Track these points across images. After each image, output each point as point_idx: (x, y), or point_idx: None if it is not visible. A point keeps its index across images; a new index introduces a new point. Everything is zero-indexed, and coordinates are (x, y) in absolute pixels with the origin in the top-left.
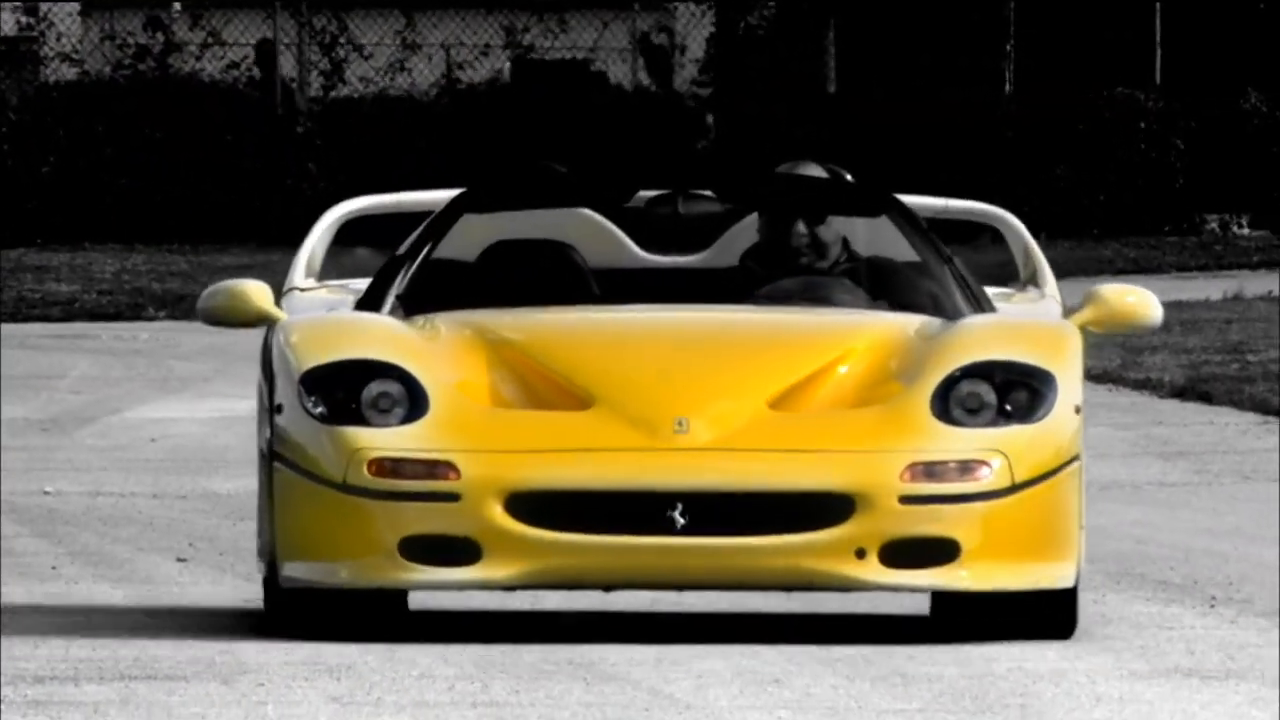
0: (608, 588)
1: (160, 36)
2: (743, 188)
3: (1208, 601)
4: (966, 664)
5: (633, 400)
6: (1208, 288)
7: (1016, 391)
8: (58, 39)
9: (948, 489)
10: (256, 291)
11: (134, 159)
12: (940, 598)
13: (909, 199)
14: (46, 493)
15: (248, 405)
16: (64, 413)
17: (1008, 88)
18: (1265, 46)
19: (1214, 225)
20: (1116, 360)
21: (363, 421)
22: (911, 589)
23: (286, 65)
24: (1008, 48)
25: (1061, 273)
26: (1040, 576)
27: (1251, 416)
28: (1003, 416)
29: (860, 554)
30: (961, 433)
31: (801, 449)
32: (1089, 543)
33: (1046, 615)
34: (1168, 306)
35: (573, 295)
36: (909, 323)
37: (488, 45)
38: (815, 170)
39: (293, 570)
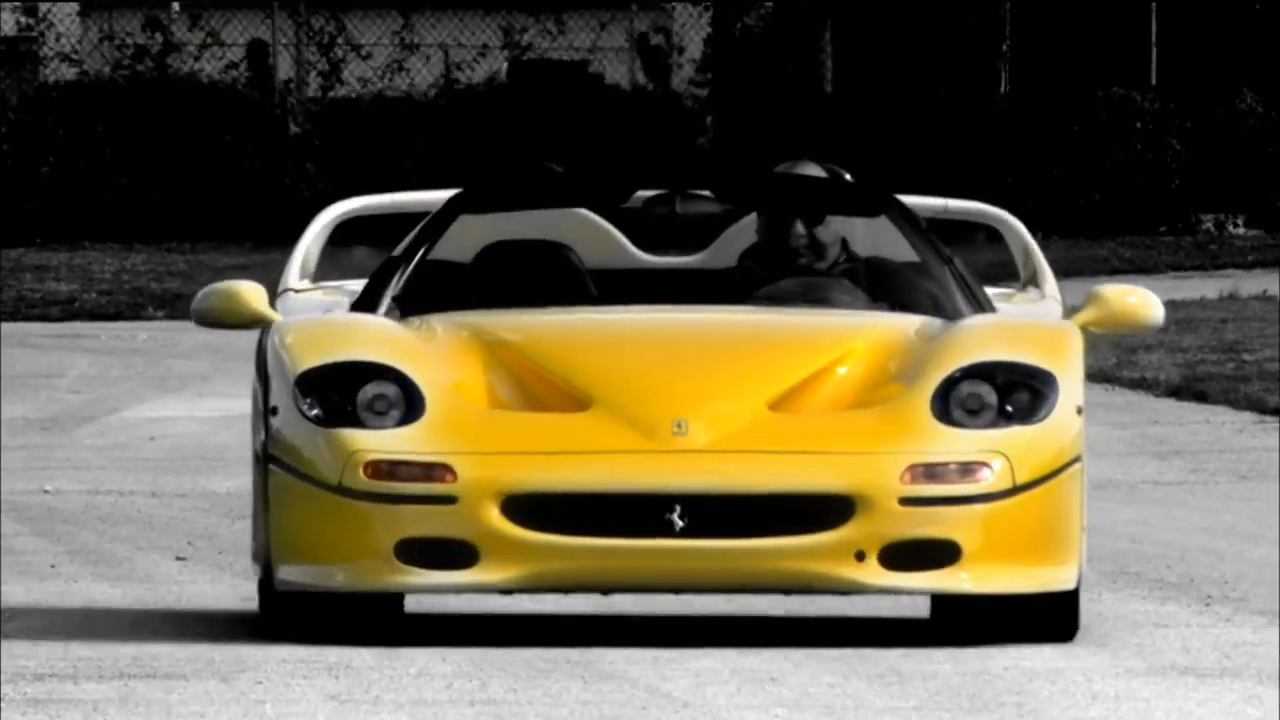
0: (606, 591)
1: (159, 37)
2: (741, 188)
3: (1204, 600)
4: (963, 662)
5: (631, 402)
6: (1203, 287)
7: (1018, 392)
8: (57, 39)
9: (948, 491)
10: (251, 293)
11: (133, 159)
12: (940, 600)
13: (908, 199)
14: (46, 491)
15: (246, 404)
16: (63, 412)
17: (1004, 88)
18: (1261, 47)
19: (1209, 225)
20: (1112, 359)
21: (358, 423)
22: (911, 592)
23: (285, 66)
24: (1004, 48)
25: (1058, 272)
26: (1041, 579)
27: (1247, 415)
28: (1004, 417)
29: (860, 556)
30: (962, 434)
31: (801, 451)
32: (1088, 543)
33: (1048, 618)
34: (1163, 306)
35: (570, 296)
36: (909, 323)
37: (485, 46)
38: (814, 170)
39: (288, 574)
